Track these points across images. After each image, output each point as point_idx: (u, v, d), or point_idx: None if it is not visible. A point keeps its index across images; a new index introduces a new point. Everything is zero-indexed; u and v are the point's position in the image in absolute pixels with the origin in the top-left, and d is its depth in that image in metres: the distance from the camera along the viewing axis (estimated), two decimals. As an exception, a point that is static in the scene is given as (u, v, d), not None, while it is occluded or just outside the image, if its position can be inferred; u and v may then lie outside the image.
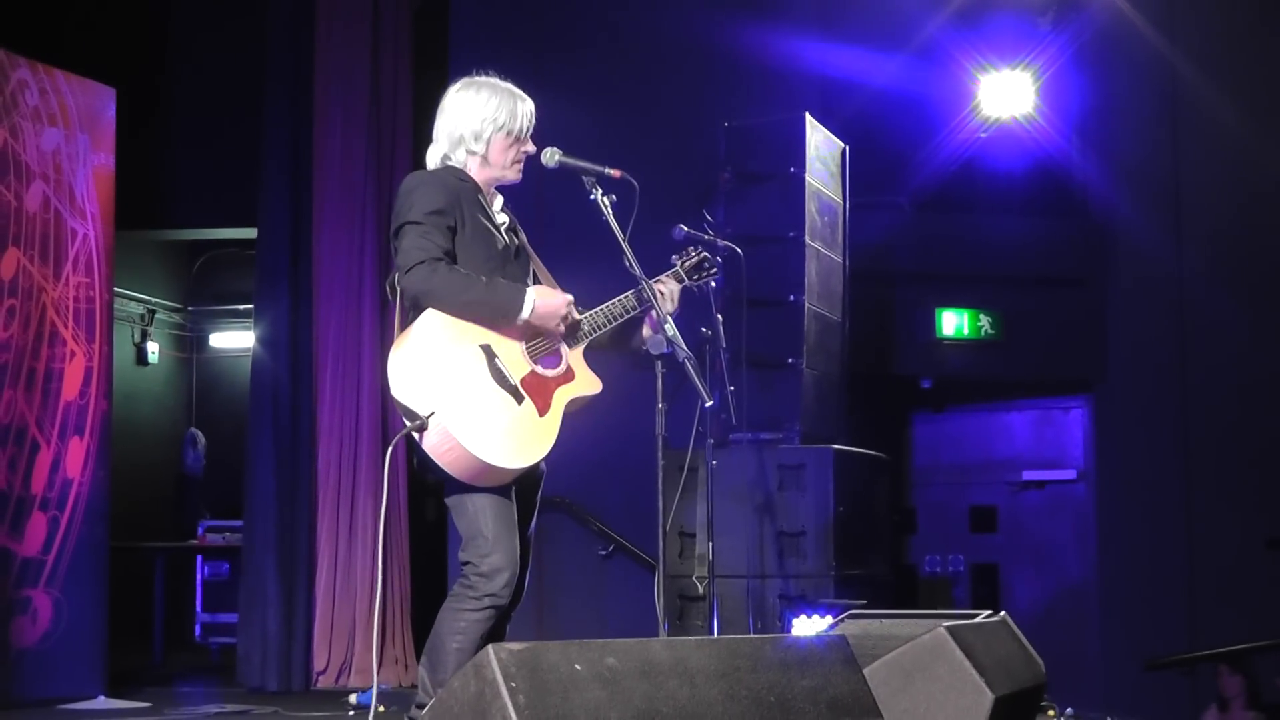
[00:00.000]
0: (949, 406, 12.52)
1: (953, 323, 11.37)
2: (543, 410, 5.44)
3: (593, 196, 5.63)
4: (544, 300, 5.45)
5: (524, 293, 5.41)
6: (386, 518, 5.78)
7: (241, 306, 14.18)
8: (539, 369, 5.50)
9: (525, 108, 5.73)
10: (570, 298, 5.56)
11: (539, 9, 10.49)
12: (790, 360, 8.86)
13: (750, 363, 8.61)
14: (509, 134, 5.66)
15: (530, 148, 5.73)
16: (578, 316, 5.58)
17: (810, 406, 8.95)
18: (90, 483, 9.36)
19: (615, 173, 5.68)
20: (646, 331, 5.73)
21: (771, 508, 8.60)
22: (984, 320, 11.39)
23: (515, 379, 5.39)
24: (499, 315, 5.38)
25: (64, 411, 9.23)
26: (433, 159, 5.73)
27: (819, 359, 9.13)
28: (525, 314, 5.38)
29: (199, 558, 12.38)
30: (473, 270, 5.44)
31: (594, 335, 5.65)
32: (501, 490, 5.39)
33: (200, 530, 12.41)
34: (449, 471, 5.29)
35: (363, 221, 10.45)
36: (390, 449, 5.49)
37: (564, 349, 5.57)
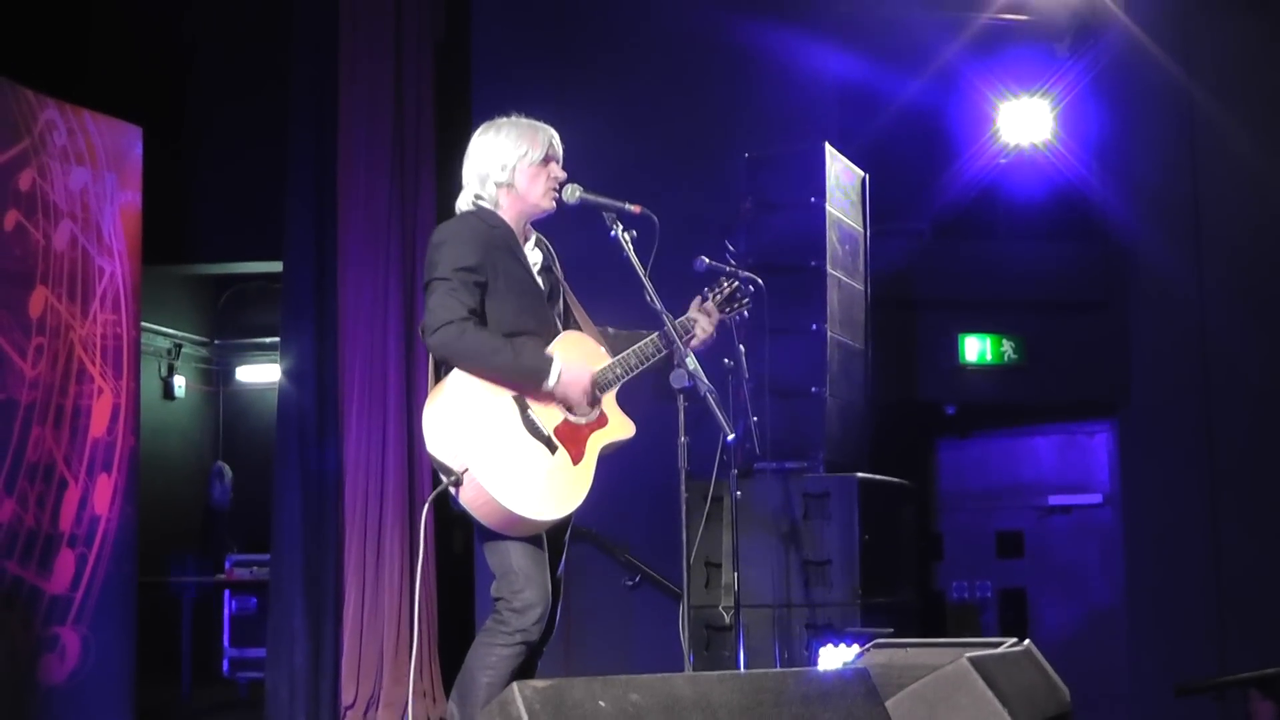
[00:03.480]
0: (974, 432, 12.50)
1: (975, 348, 11.37)
2: (576, 458, 5.51)
3: (613, 233, 5.70)
4: (569, 372, 5.51)
5: (549, 363, 5.48)
6: (422, 575, 5.84)
7: (267, 340, 14.23)
8: (571, 416, 5.56)
9: (546, 134, 5.81)
10: (594, 373, 5.60)
11: (560, 42, 10.54)
12: (814, 389, 8.87)
13: (773, 392, 8.64)
14: (533, 161, 5.73)
15: (560, 173, 5.80)
16: (599, 396, 5.62)
17: (834, 435, 8.96)
18: (118, 519, 9.41)
19: (635, 208, 5.75)
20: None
21: (797, 537, 8.62)
22: (1006, 345, 11.39)
23: (548, 429, 5.46)
24: (523, 383, 5.45)
25: (92, 448, 9.28)
26: (463, 203, 5.79)
27: (842, 387, 9.14)
28: (550, 384, 5.46)
29: (226, 592, 12.41)
30: (507, 320, 5.51)
31: (624, 379, 5.72)
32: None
33: (228, 564, 12.45)
34: (485, 523, 5.36)
35: (387, 255, 10.48)
36: (425, 509, 5.53)
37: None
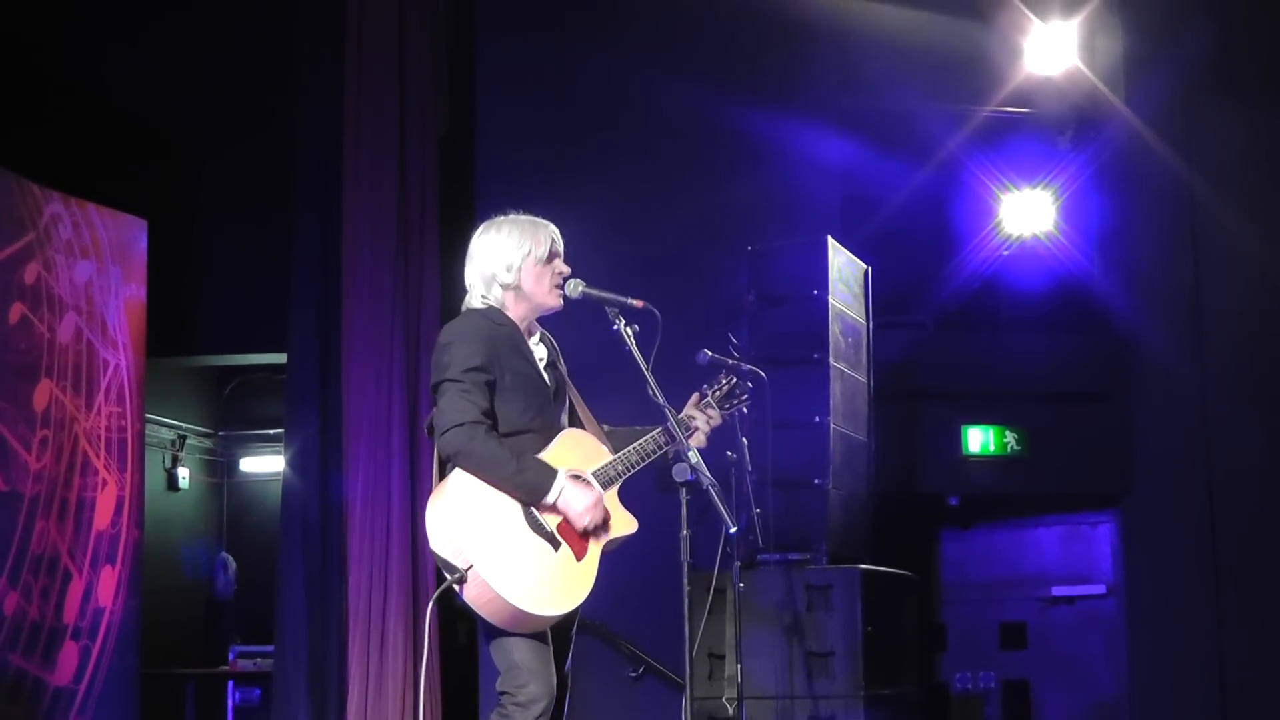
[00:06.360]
0: (976, 523, 12.49)
1: (978, 439, 11.38)
2: (580, 554, 5.51)
3: (616, 327, 5.72)
4: (573, 493, 5.53)
5: (553, 478, 5.48)
6: (426, 671, 5.85)
7: (272, 431, 14.20)
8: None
9: (548, 231, 5.82)
10: (598, 497, 5.62)
11: (563, 136, 10.59)
12: (816, 481, 8.86)
13: (776, 484, 8.65)
14: (538, 260, 5.75)
15: (564, 269, 5.82)
16: (600, 520, 5.62)
17: (837, 527, 8.95)
18: (122, 611, 9.41)
19: (638, 303, 5.77)
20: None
21: (800, 628, 8.60)
22: (1009, 436, 11.40)
23: (551, 525, 5.47)
24: (525, 496, 5.46)
25: (96, 541, 9.28)
26: (469, 304, 5.79)
27: (845, 479, 9.14)
28: (550, 500, 5.45)
29: (230, 683, 12.34)
30: (514, 419, 5.53)
31: (625, 476, 5.72)
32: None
33: (231, 656, 12.38)
34: (490, 620, 5.36)
35: (391, 347, 10.48)
36: (430, 608, 5.53)
37: (598, 490, 5.63)
